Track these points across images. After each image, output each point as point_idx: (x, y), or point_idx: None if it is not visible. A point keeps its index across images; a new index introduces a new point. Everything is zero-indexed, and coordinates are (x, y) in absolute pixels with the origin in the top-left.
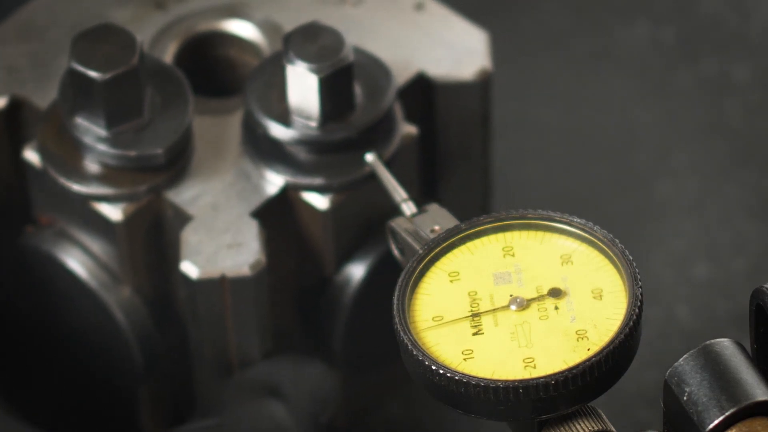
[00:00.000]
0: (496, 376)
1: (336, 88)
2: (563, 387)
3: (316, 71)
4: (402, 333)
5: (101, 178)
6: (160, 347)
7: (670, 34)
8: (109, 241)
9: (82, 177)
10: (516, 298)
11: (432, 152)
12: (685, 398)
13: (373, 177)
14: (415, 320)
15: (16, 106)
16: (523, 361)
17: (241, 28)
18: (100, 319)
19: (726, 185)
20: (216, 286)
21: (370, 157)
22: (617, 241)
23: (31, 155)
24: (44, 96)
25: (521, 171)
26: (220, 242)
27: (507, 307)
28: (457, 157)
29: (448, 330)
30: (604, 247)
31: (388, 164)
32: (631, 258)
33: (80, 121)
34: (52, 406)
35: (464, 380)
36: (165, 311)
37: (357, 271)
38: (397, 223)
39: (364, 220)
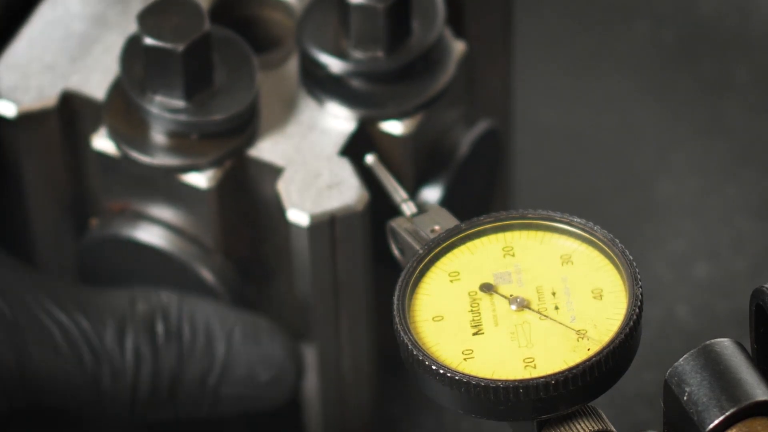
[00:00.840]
0: (496, 376)
1: (399, 15)
2: (563, 387)
3: (380, 0)
4: (402, 333)
5: (184, 150)
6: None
7: (670, 34)
8: (196, 211)
9: (165, 152)
10: (516, 298)
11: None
12: (685, 398)
13: (439, 97)
14: (416, 320)
15: (67, 101)
16: (523, 361)
17: None
18: (193, 291)
19: (726, 185)
20: (326, 229)
21: (370, 159)
22: (617, 241)
23: (102, 143)
24: (93, 86)
25: (521, 171)
26: (319, 186)
27: (507, 307)
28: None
29: (449, 330)
30: (604, 247)
31: (452, 82)
32: (631, 258)
33: (156, 97)
34: None
35: (464, 380)
36: (248, 271)
37: (433, 194)
38: (397, 223)
39: (434, 143)
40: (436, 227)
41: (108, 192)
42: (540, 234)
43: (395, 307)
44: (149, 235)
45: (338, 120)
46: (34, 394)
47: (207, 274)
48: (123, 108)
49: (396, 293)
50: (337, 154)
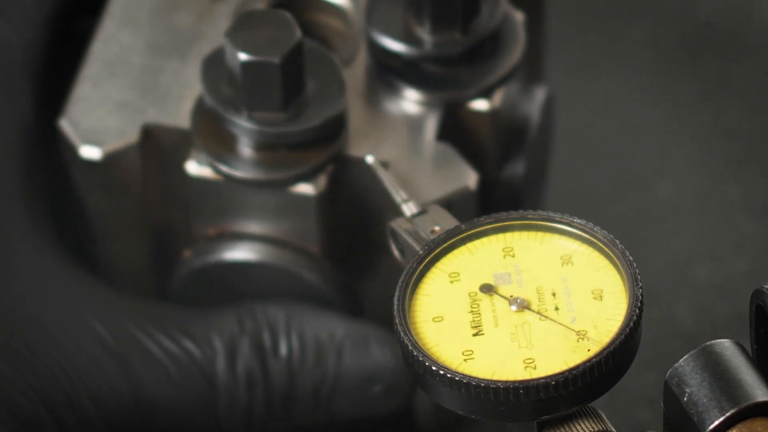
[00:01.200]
0: (496, 377)
1: None
2: (563, 388)
3: None
4: (402, 333)
5: (285, 161)
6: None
7: (670, 34)
8: (302, 219)
9: (268, 166)
10: (516, 298)
11: None
12: (685, 399)
13: (517, 69)
14: (416, 321)
15: (147, 135)
16: (524, 361)
17: None
18: (306, 301)
19: (726, 185)
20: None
21: (370, 159)
22: (617, 241)
23: (196, 168)
24: (171, 115)
25: None
26: (430, 172)
27: (507, 307)
28: None
29: (449, 330)
30: (604, 247)
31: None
32: (631, 258)
33: (255, 112)
34: None
35: (464, 381)
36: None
37: (518, 167)
38: (397, 224)
39: (512, 118)
40: (436, 228)
41: (202, 218)
42: (540, 234)
43: (395, 307)
44: (256, 252)
45: (423, 106)
46: (150, 422)
47: (319, 282)
48: (212, 130)
49: (396, 294)
50: (436, 140)
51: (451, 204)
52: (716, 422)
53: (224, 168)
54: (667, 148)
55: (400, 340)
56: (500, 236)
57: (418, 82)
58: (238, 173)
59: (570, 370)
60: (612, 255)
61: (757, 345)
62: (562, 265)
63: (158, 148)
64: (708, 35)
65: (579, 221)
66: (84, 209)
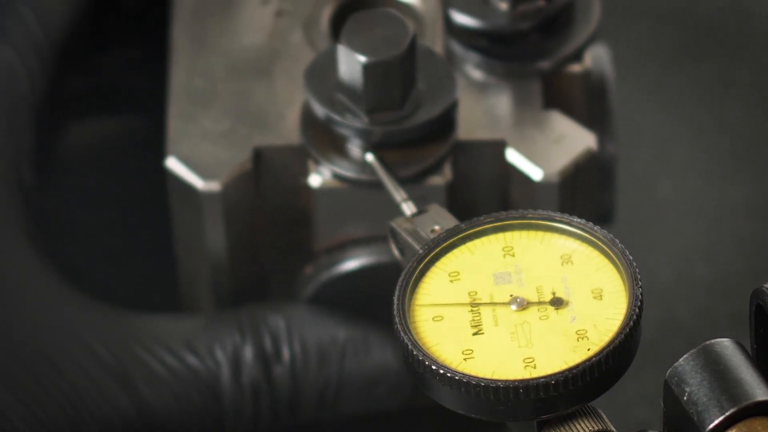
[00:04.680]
0: (496, 376)
1: None
2: (563, 387)
3: None
4: (402, 333)
5: (408, 157)
6: None
7: (670, 34)
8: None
9: (397, 164)
10: (516, 298)
11: None
12: (685, 398)
13: (599, 29)
14: (416, 320)
15: (257, 159)
16: (523, 361)
17: None
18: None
19: (726, 185)
20: (570, 181)
21: (369, 157)
22: (617, 241)
23: (322, 181)
24: (276, 134)
25: None
26: (549, 142)
27: (507, 307)
28: None
29: (448, 330)
30: (604, 247)
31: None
32: (631, 258)
33: (375, 114)
34: None
35: (464, 380)
36: None
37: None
38: (397, 223)
39: (597, 77)
40: (436, 227)
41: (327, 230)
42: (540, 234)
43: (395, 307)
44: (384, 253)
45: (519, 78)
46: None
47: None
48: (326, 141)
49: (396, 293)
50: (542, 109)
51: (578, 169)
52: (716, 421)
53: (351, 174)
54: (667, 148)
55: (400, 340)
56: (500, 235)
57: (512, 57)
58: (369, 177)
59: (570, 370)
60: (612, 254)
61: (757, 344)
62: (562, 264)
63: (269, 170)
64: (708, 35)
65: (579, 221)
66: (186, 245)
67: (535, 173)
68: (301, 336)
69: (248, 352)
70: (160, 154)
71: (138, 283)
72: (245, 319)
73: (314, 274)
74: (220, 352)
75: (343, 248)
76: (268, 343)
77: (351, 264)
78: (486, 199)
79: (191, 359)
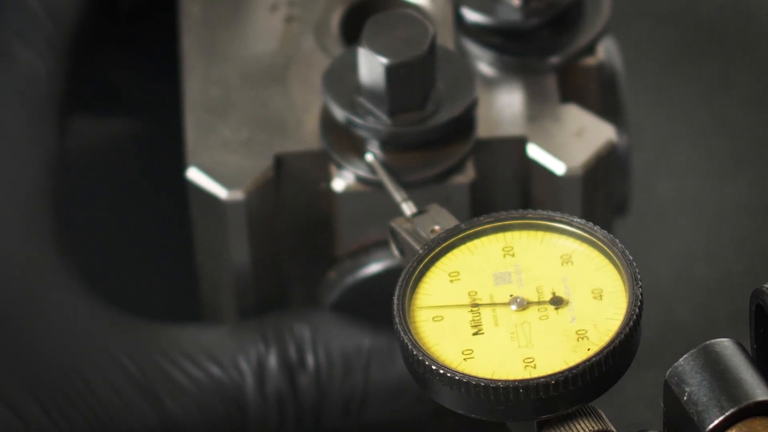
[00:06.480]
0: (496, 376)
1: None
2: (563, 387)
3: None
4: (402, 333)
5: (432, 157)
6: None
7: (670, 34)
8: (451, 210)
9: (421, 165)
10: (516, 298)
11: None
12: (685, 398)
13: (610, 21)
14: (416, 320)
15: (279, 166)
16: (523, 361)
17: None
18: None
19: (726, 185)
20: (592, 174)
21: (369, 158)
22: (617, 241)
23: (345, 185)
24: (295, 140)
25: None
26: (570, 136)
27: (507, 307)
28: None
29: (449, 330)
30: (604, 247)
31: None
32: (631, 258)
33: (396, 115)
34: None
35: (464, 380)
36: None
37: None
38: (397, 223)
39: (608, 70)
40: (436, 227)
41: (350, 233)
42: (540, 234)
43: (395, 307)
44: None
45: (535, 74)
46: None
47: None
48: (346, 144)
49: (396, 293)
50: (560, 102)
51: (600, 161)
52: (716, 421)
53: (374, 177)
54: (667, 148)
55: (400, 340)
56: (500, 235)
57: (526, 52)
58: (392, 179)
59: (570, 370)
60: (612, 254)
61: (757, 344)
62: (562, 264)
63: (290, 176)
64: (708, 35)
65: (579, 221)
66: (209, 254)
67: (558, 167)
68: (325, 344)
69: (272, 362)
70: (160, 155)
71: (138, 283)
72: (269, 328)
73: (338, 278)
74: (244, 362)
75: (366, 252)
76: (292, 352)
77: (376, 267)
78: (507, 196)
79: (215, 370)
